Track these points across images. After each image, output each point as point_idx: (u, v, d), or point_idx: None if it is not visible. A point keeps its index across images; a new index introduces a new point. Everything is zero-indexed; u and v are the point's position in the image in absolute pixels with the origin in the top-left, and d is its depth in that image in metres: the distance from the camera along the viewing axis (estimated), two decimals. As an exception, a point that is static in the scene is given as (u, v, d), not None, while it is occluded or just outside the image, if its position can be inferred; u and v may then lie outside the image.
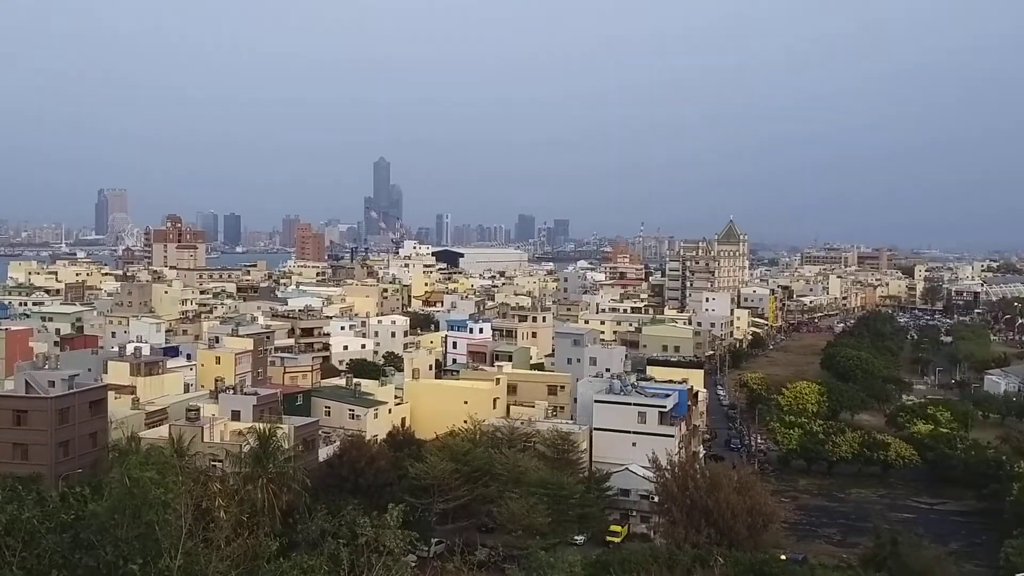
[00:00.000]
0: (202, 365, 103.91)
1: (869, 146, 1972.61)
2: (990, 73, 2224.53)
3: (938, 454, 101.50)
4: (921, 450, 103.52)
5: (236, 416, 78.25)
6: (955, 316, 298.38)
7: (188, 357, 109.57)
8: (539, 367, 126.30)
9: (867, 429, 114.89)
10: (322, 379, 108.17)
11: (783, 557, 60.94)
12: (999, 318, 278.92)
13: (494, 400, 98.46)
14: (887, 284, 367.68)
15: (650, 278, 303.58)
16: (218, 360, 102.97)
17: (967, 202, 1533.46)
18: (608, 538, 74.41)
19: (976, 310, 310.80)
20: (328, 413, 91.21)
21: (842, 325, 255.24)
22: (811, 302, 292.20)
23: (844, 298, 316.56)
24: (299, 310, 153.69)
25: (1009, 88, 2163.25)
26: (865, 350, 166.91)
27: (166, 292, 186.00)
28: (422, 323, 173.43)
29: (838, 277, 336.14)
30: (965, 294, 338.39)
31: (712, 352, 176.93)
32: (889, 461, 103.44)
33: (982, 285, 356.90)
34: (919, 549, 66.13)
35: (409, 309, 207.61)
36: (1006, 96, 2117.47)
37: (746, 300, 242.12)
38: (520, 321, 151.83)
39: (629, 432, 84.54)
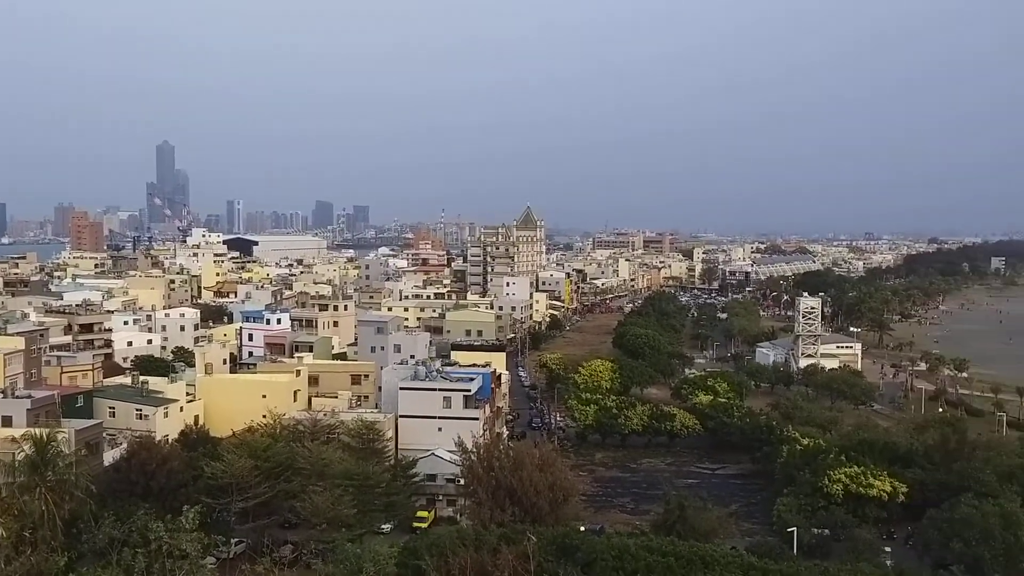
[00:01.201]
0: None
1: (650, 133, 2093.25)
2: (753, 69, 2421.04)
3: (717, 422, 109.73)
4: (703, 419, 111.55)
5: (7, 422, 71.68)
6: (729, 294, 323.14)
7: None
8: (342, 357, 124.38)
9: (655, 402, 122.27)
10: (105, 378, 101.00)
11: (582, 529, 63.70)
12: (767, 295, 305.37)
13: (295, 392, 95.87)
14: (670, 266, 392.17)
15: (452, 264, 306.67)
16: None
17: (738, 188, 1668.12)
18: (415, 524, 74.71)
19: (747, 288, 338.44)
20: (113, 414, 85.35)
21: (631, 305, 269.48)
22: (603, 284, 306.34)
23: (632, 280, 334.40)
24: (76, 305, 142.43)
25: (781, 87, 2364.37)
26: (652, 328, 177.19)
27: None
28: (214, 315, 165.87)
29: (626, 260, 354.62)
30: (737, 274, 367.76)
31: (513, 335, 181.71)
32: (675, 431, 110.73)
33: (752, 265, 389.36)
34: (704, 512, 71.38)
35: (199, 301, 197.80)
36: (768, 91, 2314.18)
37: (544, 284, 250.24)
38: (321, 310, 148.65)
39: (435, 417, 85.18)
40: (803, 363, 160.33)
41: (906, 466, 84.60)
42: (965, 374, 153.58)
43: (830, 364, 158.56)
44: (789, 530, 70.34)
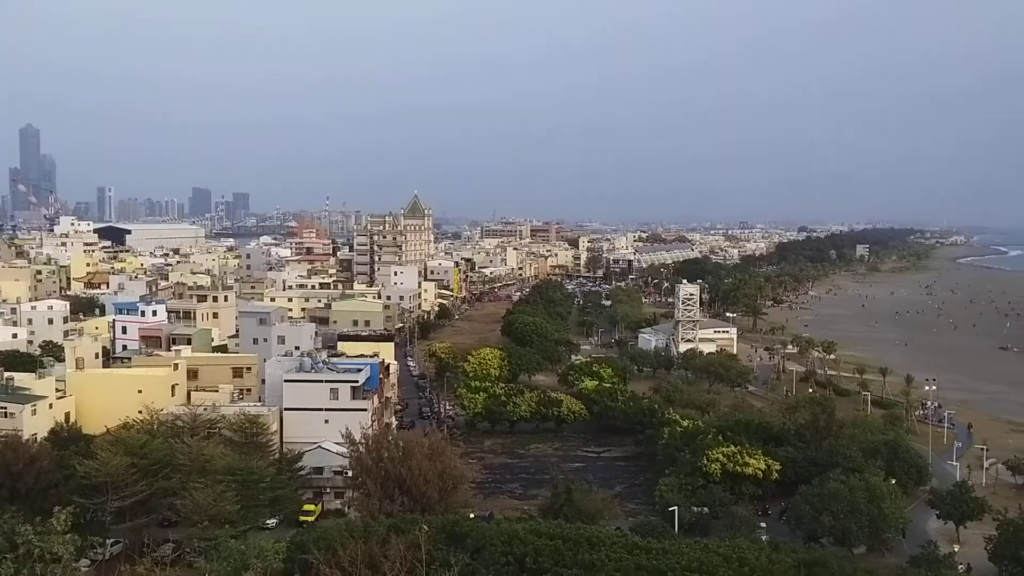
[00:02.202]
0: None
1: (541, 127, 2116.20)
2: (655, 63, 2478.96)
3: (602, 407, 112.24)
4: (588, 404, 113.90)
5: None
6: (613, 282, 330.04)
7: None
8: (222, 349, 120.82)
9: (543, 389, 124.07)
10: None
11: (472, 516, 64.09)
12: (649, 282, 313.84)
13: (172, 387, 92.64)
14: (556, 255, 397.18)
15: (338, 253, 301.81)
16: None
17: (622, 180, 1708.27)
18: (302, 518, 73.51)
19: (630, 276, 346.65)
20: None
21: (519, 294, 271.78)
22: (491, 273, 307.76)
23: (520, 268, 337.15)
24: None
25: (662, 79, 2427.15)
26: (539, 316, 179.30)
27: None
28: (85, 307, 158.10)
29: (514, 249, 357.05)
30: (621, 262, 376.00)
31: (402, 324, 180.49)
32: (562, 416, 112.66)
33: (635, 254, 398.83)
34: (590, 494, 73.04)
35: (69, 292, 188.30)
36: (657, 86, 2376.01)
37: (432, 273, 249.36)
38: (199, 301, 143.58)
39: (321, 409, 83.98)
40: (683, 348, 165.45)
41: (779, 445, 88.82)
42: (833, 356, 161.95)
43: (708, 348, 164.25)
44: (671, 509, 72.73)
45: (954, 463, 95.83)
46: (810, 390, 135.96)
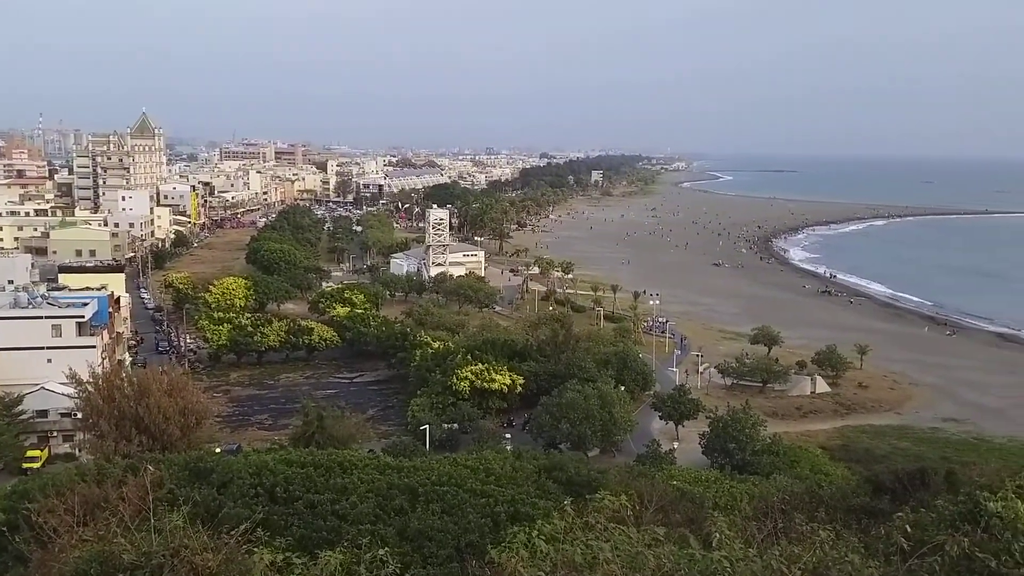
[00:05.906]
0: None
1: (292, 51, 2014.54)
2: None
3: (355, 333, 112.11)
4: (340, 331, 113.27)
5: None
6: (364, 207, 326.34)
7: None
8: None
9: (293, 317, 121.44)
10: None
11: (218, 450, 62.15)
12: (400, 207, 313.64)
13: None
14: (304, 179, 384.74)
15: (56, 176, 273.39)
16: None
17: (369, 105, 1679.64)
18: (25, 465, 67.68)
19: (381, 201, 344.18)
20: None
21: (265, 220, 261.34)
22: (233, 198, 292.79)
23: (265, 193, 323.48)
24: None
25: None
26: (287, 243, 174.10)
27: None
28: None
29: (258, 172, 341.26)
30: (371, 187, 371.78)
31: (133, 254, 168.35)
32: (313, 344, 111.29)
33: (385, 178, 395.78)
34: (342, 419, 73.17)
35: None
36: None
37: (166, 197, 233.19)
38: None
39: (43, 348, 76.99)
40: (434, 271, 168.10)
41: (523, 360, 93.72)
42: (571, 275, 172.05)
43: (458, 272, 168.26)
44: (422, 428, 74.79)
45: (674, 369, 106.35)
46: (550, 308, 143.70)
